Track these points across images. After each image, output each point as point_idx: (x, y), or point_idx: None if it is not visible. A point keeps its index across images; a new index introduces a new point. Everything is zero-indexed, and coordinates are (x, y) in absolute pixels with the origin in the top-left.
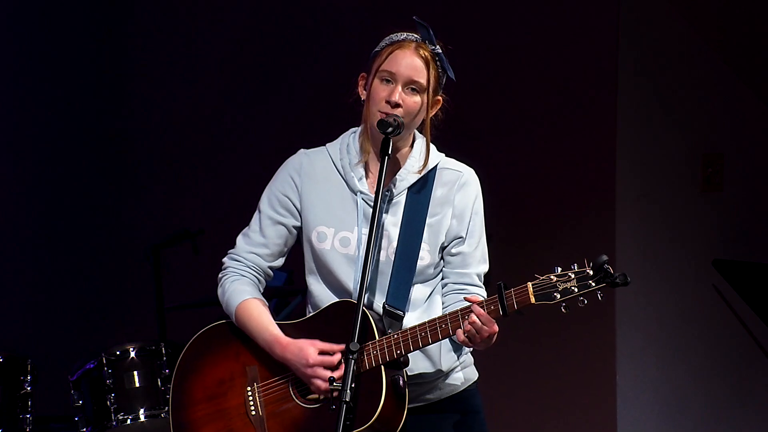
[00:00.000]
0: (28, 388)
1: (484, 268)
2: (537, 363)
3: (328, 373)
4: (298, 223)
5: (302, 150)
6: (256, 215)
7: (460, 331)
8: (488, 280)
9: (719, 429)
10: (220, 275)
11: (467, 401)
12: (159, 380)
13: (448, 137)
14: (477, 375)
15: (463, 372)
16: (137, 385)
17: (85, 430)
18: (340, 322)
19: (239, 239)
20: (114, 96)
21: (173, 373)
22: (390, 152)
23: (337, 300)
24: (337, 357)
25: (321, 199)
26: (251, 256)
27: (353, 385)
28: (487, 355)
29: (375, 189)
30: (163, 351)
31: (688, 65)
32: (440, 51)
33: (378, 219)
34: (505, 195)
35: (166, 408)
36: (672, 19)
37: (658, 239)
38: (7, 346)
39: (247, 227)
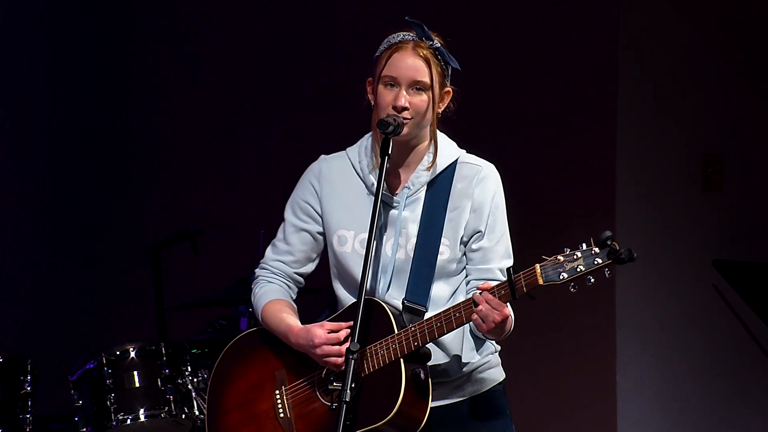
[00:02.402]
0: (28, 388)
1: (508, 263)
2: (537, 362)
3: (336, 349)
4: (322, 229)
5: (322, 156)
6: (281, 225)
7: (475, 317)
8: None
9: (719, 429)
10: (252, 285)
11: (492, 402)
12: (159, 380)
13: (450, 138)
14: (504, 375)
15: (488, 372)
16: (137, 385)
17: (85, 430)
18: (362, 320)
19: (267, 249)
20: (114, 96)
21: (209, 381)
22: (390, 152)
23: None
24: (344, 333)
25: (340, 202)
26: (277, 263)
27: (353, 385)
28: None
29: (392, 189)
30: (163, 351)
31: (688, 65)
32: (439, 45)
33: (379, 220)
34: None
35: (166, 408)
36: (672, 20)
37: (658, 239)
38: (7, 346)
39: (275, 237)
